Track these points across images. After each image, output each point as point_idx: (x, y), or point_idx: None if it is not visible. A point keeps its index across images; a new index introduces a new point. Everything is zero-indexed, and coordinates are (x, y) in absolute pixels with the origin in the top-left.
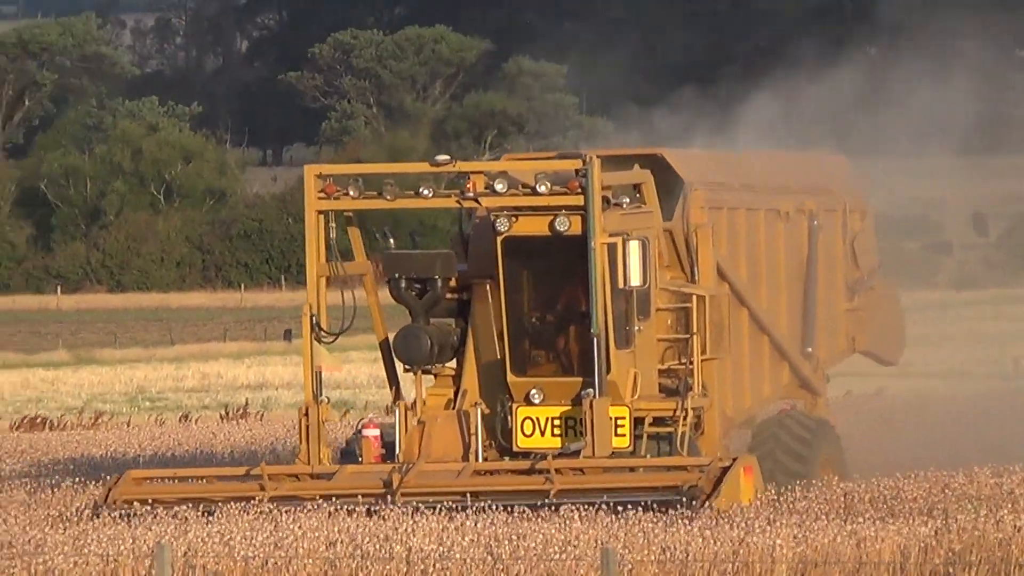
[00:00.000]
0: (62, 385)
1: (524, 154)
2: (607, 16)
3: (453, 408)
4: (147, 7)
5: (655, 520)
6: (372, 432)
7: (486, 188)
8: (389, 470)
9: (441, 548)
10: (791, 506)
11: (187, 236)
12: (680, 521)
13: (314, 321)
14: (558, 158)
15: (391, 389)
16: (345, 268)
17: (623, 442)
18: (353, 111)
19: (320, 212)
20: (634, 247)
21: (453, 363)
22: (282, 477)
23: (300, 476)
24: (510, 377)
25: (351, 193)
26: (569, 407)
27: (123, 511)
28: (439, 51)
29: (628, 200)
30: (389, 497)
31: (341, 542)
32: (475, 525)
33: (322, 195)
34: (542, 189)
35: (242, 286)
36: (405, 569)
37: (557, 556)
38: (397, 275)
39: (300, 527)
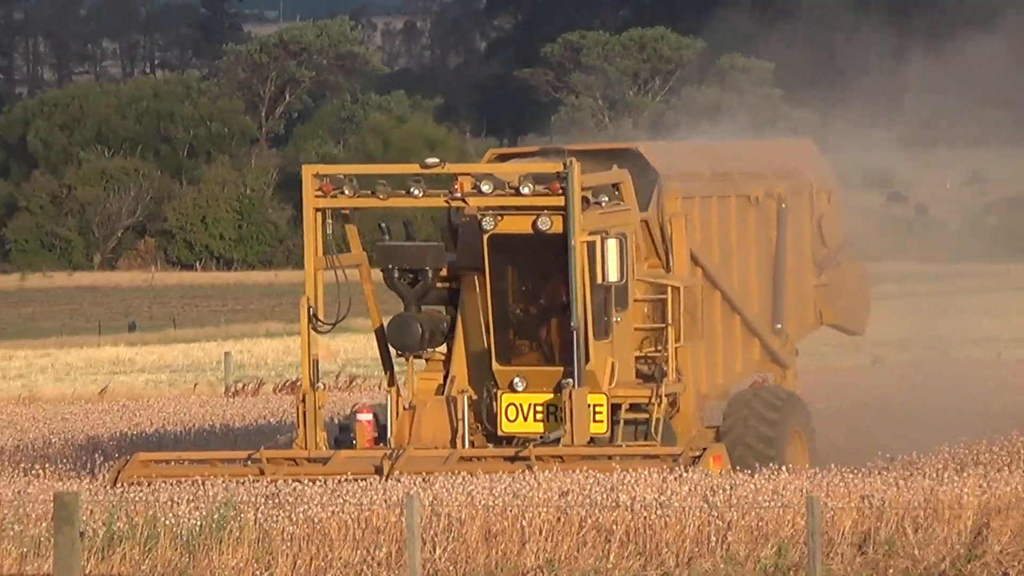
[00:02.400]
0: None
1: (511, 149)
2: (812, 15)
3: (442, 393)
4: (396, 11)
5: (854, 472)
6: (366, 416)
7: (473, 189)
8: (381, 456)
9: (662, 497)
10: (976, 458)
11: (432, 216)
12: (876, 473)
13: (311, 312)
14: (540, 154)
15: (385, 374)
16: (341, 260)
17: (601, 428)
18: (580, 104)
19: (317, 210)
20: (612, 245)
21: (443, 348)
22: (280, 461)
23: (298, 460)
24: (495, 365)
25: (346, 192)
26: (551, 394)
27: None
28: (659, 50)
29: (607, 199)
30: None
31: (572, 492)
32: (692, 476)
33: (319, 193)
34: (525, 190)
35: None
36: (630, 517)
37: (767, 504)
38: (391, 266)
39: (536, 479)
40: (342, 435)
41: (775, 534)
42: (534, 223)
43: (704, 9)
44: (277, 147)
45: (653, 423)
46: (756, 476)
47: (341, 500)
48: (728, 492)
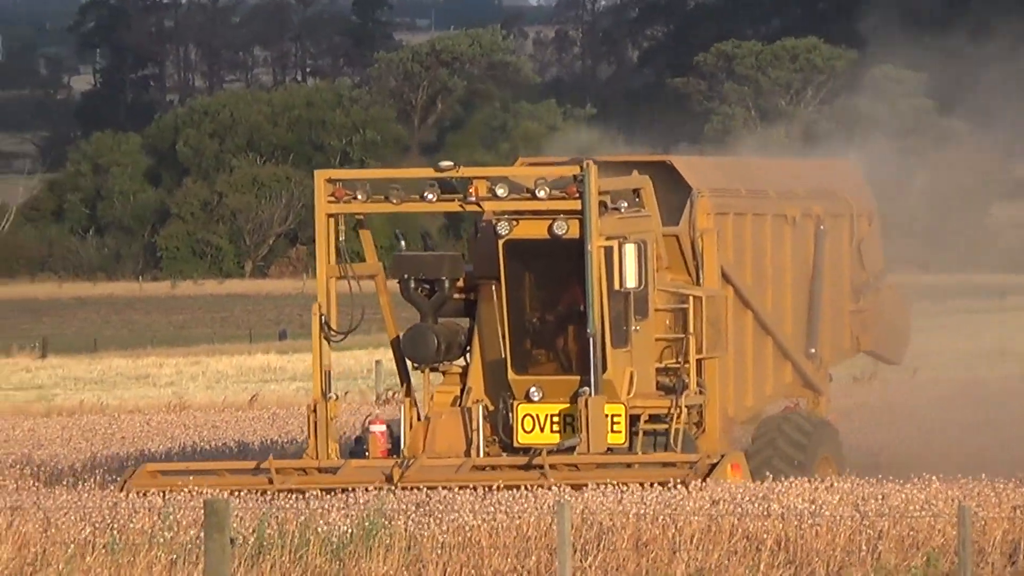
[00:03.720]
0: None
1: (542, 158)
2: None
3: (459, 405)
4: (548, 20)
5: (1006, 482)
6: (379, 428)
7: (488, 193)
8: (391, 465)
9: (812, 506)
10: None
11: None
12: None
13: (324, 321)
14: (573, 163)
15: (402, 385)
16: (357, 270)
17: (619, 438)
18: (733, 113)
19: (330, 215)
20: (630, 250)
21: (461, 361)
22: (289, 471)
23: (307, 470)
24: (511, 375)
25: (359, 197)
26: (567, 404)
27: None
28: (812, 60)
29: (627, 204)
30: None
31: (723, 500)
32: (844, 486)
33: (332, 199)
34: (541, 194)
35: None
36: (781, 525)
37: (918, 513)
38: (406, 276)
39: (687, 487)
40: (356, 447)
41: (925, 544)
42: (550, 227)
43: (855, 19)
44: (428, 155)
45: (672, 434)
46: (907, 485)
47: (492, 508)
48: (879, 501)
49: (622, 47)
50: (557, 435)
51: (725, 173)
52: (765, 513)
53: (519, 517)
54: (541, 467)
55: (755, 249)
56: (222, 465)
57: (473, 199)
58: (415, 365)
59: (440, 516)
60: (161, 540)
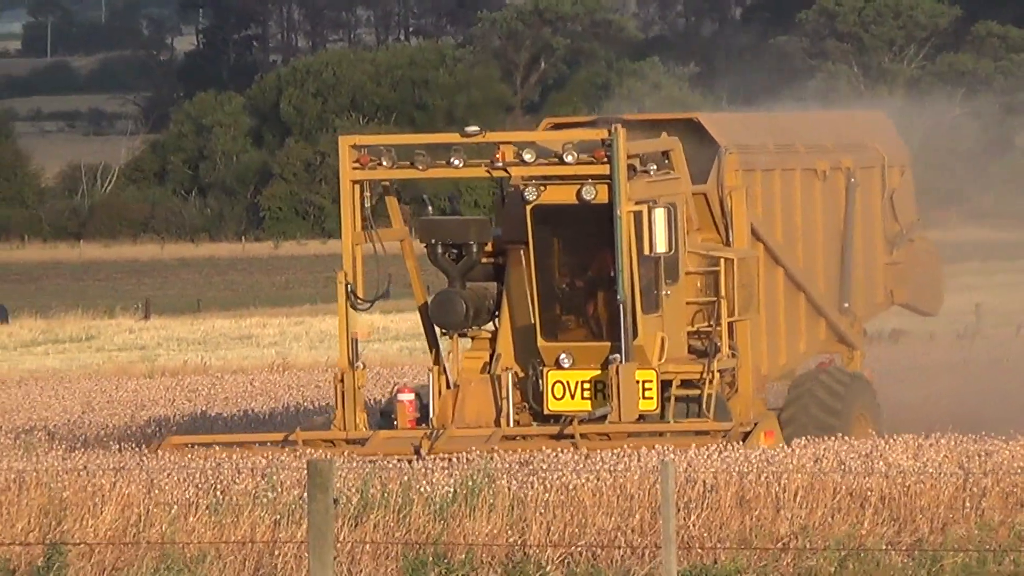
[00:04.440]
0: None
1: (567, 118)
2: None
3: (488, 372)
4: None
5: None
6: (407, 396)
7: (515, 158)
8: (420, 435)
9: (917, 464)
10: None
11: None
12: None
13: (349, 288)
14: (597, 124)
15: (431, 352)
16: (383, 236)
17: (650, 404)
18: (836, 71)
19: (355, 182)
20: (659, 214)
21: (490, 326)
22: (317, 442)
23: (336, 442)
24: (540, 342)
25: (384, 163)
26: (598, 371)
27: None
28: (915, 16)
29: (656, 167)
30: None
31: (826, 458)
32: (948, 443)
33: (356, 165)
34: (569, 159)
35: None
36: (884, 483)
37: (1021, 470)
38: (433, 241)
39: (790, 446)
40: (383, 420)
41: None
42: (578, 192)
43: None
44: (532, 114)
45: (704, 399)
46: (1010, 443)
47: (595, 467)
48: (983, 458)
49: (725, 4)
50: (588, 402)
51: (753, 129)
52: (869, 470)
53: (623, 476)
54: (572, 436)
55: (785, 205)
56: (249, 437)
57: (500, 164)
58: (443, 331)
59: (544, 475)
60: (264, 500)
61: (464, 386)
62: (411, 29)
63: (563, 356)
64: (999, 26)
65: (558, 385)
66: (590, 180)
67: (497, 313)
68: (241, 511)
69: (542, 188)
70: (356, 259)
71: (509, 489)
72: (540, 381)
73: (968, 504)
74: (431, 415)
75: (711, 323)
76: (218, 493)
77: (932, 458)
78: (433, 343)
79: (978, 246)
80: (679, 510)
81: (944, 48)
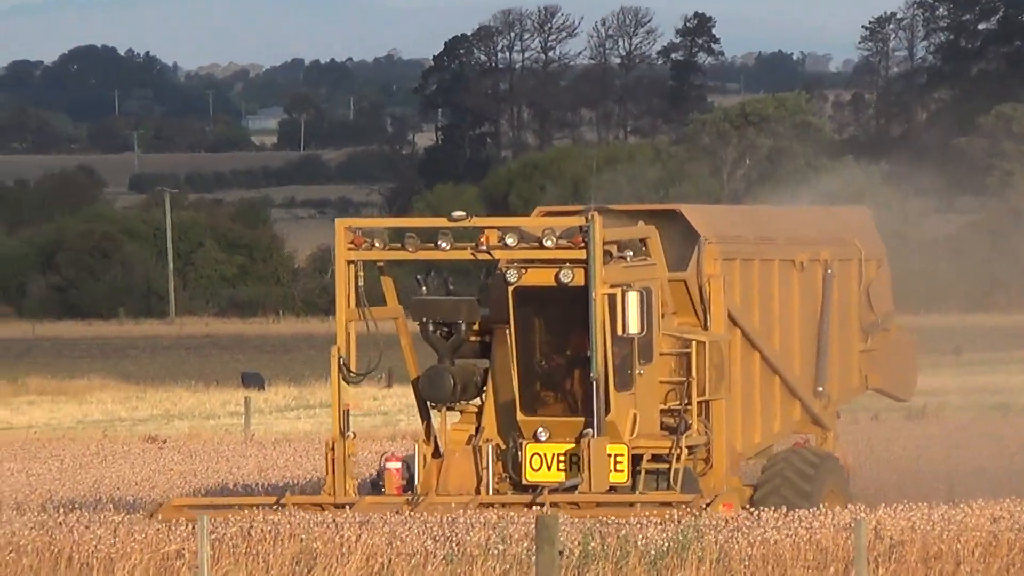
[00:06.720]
0: None
1: (558, 207)
2: None
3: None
4: (845, 84)
5: None
6: (394, 465)
7: (499, 242)
8: (402, 501)
9: None
10: None
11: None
12: None
13: (342, 363)
14: (583, 213)
15: (422, 424)
16: (378, 314)
17: (621, 477)
18: (1012, 169)
19: (349, 262)
20: (632, 297)
21: (478, 400)
22: (307, 506)
23: (324, 506)
24: (520, 415)
25: (376, 244)
26: (573, 444)
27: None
28: None
29: (632, 253)
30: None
31: (1002, 518)
32: None
33: (351, 246)
34: (548, 243)
35: None
36: None
37: None
38: (425, 319)
39: (969, 506)
40: (374, 489)
41: None
42: (557, 275)
43: None
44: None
45: (672, 473)
46: None
47: (793, 524)
48: None
49: (912, 109)
50: (563, 473)
51: (734, 221)
52: None
53: (818, 532)
54: (543, 505)
55: (763, 292)
56: (242, 500)
57: (484, 248)
58: (432, 405)
59: (747, 531)
60: (495, 552)
61: (448, 456)
62: (629, 128)
63: (540, 430)
64: None
65: (535, 457)
66: (568, 264)
67: (484, 388)
68: (474, 561)
69: (523, 270)
70: (350, 334)
71: (716, 543)
72: (519, 453)
73: None
74: (416, 483)
75: (683, 402)
76: (453, 545)
77: None
78: (424, 415)
79: None
80: (869, 563)
81: None
